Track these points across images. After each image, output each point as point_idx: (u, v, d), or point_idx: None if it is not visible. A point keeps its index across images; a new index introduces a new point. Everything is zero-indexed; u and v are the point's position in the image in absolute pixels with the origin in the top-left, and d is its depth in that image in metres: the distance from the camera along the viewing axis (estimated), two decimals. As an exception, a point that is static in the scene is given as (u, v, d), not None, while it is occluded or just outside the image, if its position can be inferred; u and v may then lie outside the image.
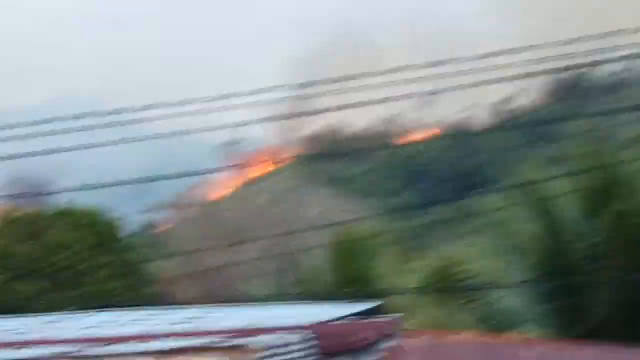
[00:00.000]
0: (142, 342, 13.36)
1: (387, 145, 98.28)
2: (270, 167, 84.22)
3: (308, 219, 47.48)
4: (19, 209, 42.50)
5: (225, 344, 11.92)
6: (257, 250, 43.77)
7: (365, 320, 15.87)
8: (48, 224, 39.39)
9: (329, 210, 50.11)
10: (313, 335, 12.82)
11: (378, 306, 17.64)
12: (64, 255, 37.13)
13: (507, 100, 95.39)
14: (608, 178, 24.60)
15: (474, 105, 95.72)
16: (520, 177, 31.78)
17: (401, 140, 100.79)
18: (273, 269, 41.80)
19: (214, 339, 12.39)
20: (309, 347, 12.58)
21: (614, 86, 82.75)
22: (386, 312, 17.35)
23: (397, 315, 16.45)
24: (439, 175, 78.52)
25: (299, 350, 12.25)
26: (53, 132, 16.44)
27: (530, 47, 15.02)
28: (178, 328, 14.08)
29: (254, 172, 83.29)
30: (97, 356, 12.91)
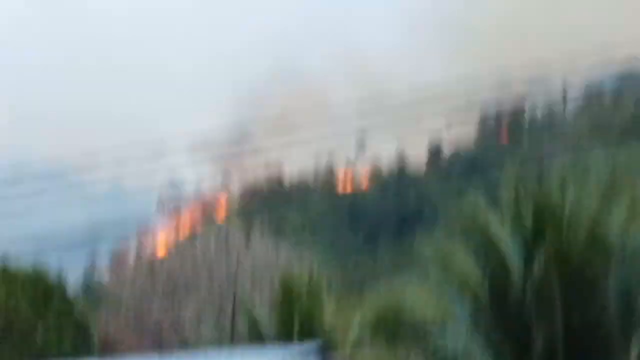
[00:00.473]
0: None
1: (325, 193, 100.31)
2: (210, 218, 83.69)
3: (252, 266, 48.15)
4: None
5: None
6: (199, 302, 46.47)
7: None
8: None
9: (270, 259, 50.56)
10: None
11: (321, 346, 20.59)
12: (4, 315, 36.03)
13: (440, 144, 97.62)
14: (545, 211, 24.85)
15: (407, 150, 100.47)
16: (457, 217, 31.56)
17: (338, 188, 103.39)
18: (215, 320, 42.18)
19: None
20: None
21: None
22: (329, 354, 20.61)
23: (339, 354, 21.38)
24: (376, 222, 78.96)
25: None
26: None
27: (459, 87, 16.23)
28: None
29: (193, 224, 78.38)
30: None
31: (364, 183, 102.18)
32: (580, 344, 23.25)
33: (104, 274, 73.05)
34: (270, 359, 20.27)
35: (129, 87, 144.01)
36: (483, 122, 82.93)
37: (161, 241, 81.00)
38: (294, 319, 28.94)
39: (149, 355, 31.81)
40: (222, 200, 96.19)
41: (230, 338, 32.61)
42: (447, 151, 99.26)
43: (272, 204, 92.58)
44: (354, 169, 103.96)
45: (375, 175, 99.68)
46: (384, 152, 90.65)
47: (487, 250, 25.12)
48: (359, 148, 76.51)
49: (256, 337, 29.86)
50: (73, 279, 56.16)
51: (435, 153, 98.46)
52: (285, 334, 27.54)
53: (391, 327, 29.26)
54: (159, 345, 42.54)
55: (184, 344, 41.59)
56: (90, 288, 65.98)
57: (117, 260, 73.59)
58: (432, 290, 29.01)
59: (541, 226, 24.57)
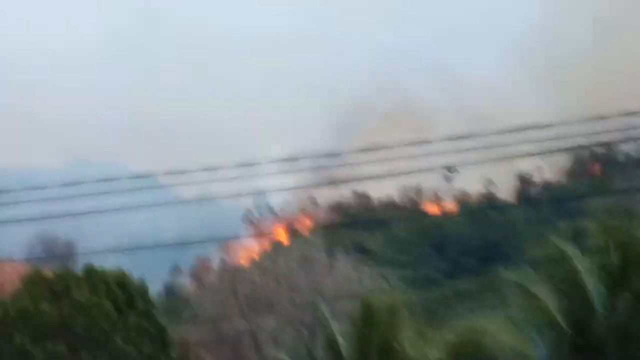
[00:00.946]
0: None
1: (412, 216, 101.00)
2: (295, 234, 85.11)
3: (331, 287, 48.35)
4: (42, 269, 42.26)
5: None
6: (279, 317, 46.83)
7: None
8: (74, 284, 38.77)
9: (352, 279, 50.22)
10: None
11: None
12: (90, 315, 37.28)
13: (530, 174, 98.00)
14: (629, 255, 24.52)
15: (497, 178, 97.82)
16: (543, 251, 32.14)
17: (425, 211, 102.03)
18: (294, 336, 42.49)
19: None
20: None
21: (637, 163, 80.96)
22: None
23: None
24: (461, 248, 77.97)
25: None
26: (80, 195, 16.96)
27: (555, 124, 15.55)
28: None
29: (279, 238, 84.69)
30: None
31: (453, 207, 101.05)
32: None
33: (186, 280, 77.90)
34: None
35: (228, 103, 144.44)
36: (576, 154, 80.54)
37: (245, 253, 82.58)
38: (373, 343, 28.91)
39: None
40: (308, 217, 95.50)
41: (308, 356, 33.26)
42: (537, 181, 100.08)
43: (358, 223, 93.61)
44: (443, 193, 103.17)
45: (464, 201, 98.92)
46: (474, 178, 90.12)
47: (570, 288, 25.37)
48: (451, 172, 74.09)
49: (334, 358, 30.06)
50: (156, 284, 57.91)
51: (525, 182, 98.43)
52: (363, 358, 28.09)
53: (470, 357, 29.10)
54: (237, 357, 44.06)
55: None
56: (172, 293, 68.25)
57: (200, 267, 78.15)
58: (513, 325, 28.23)
59: (627, 268, 24.50)
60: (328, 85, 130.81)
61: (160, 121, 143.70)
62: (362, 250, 72.92)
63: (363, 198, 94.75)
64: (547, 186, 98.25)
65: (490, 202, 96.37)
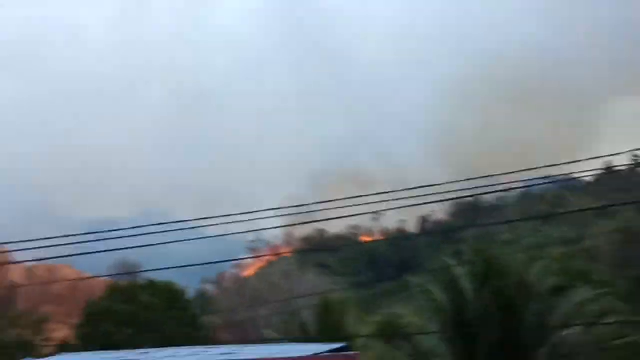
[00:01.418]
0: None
1: (354, 243, 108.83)
2: (280, 255, 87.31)
3: (303, 290, 48.21)
4: (119, 282, 43.62)
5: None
6: (271, 309, 45.59)
7: (337, 354, 17.31)
8: (140, 291, 39.47)
9: (316, 285, 50.27)
10: None
11: (345, 346, 19.27)
12: (150, 310, 37.31)
13: (429, 214, 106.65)
14: (489, 266, 25.09)
15: (405, 217, 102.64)
16: (436, 264, 35.57)
17: (363, 240, 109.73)
18: (281, 321, 40.08)
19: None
20: None
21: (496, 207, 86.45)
22: (350, 350, 19.09)
23: (356, 352, 18.78)
24: (386, 263, 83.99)
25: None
26: (146, 233, 19.33)
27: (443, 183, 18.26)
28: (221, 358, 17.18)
29: (270, 258, 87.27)
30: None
31: (380, 237, 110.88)
32: (507, 350, 23.60)
33: (211, 287, 78.79)
34: (313, 351, 17.23)
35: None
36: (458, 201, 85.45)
37: (249, 268, 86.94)
38: (329, 325, 29.36)
39: (236, 345, 28.10)
40: (289, 245, 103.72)
41: (288, 336, 32.40)
42: (433, 219, 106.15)
43: (320, 249, 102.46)
44: (374, 228, 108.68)
45: (387, 233, 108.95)
46: (394, 218, 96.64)
47: (453, 287, 25.42)
48: (378, 215, 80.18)
49: (304, 334, 30.68)
50: (192, 290, 58.35)
51: (425, 220, 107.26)
52: (323, 335, 26.94)
53: (390, 332, 29.36)
54: (244, 336, 44.74)
55: (260, 338, 41.32)
56: (202, 295, 69.50)
57: (220, 278, 78.88)
58: (418, 311, 28.35)
59: (488, 274, 24.87)
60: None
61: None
62: (323, 267, 79.45)
63: (323, 233, 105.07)
64: (439, 222, 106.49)
65: (403, 234, 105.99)
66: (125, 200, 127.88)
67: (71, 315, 44.57)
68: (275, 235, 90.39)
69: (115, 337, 32.13)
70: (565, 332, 23.59)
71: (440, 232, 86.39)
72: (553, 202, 63.35)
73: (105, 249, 24.80)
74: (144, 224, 21.00)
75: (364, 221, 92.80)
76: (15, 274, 48.17)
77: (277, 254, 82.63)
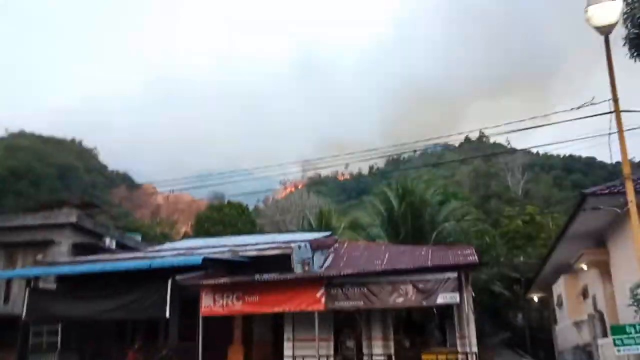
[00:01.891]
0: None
1: (336, 179, 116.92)
2: (298, 187, 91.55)
3: (310, 204, 51.86)
4: (213, 202, 51.17)
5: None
6: (292, 215, 49.55)
7: (326, 238, 21.50)
8: (224, 207, 43.53)
9: (316, 202, 54.40)
10: (311, 244, 18.31)
11: (331, 234, 24.05)
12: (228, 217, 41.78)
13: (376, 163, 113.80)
14: (406, 190, 29.91)
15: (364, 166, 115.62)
16: (379, 190, 36.86)
17: (340, 178, 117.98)
18: (298, 222, 46.16)
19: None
20: (308, 247, 17.88)
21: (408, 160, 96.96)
22: (334, 236, 23.03)
23: (336, 237, 22.52)
24: (352, 190, 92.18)
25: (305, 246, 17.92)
26: (231, 181, 25.66)
27: None
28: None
29: (292, 189, 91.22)
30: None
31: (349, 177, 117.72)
32: (415, 235, 28.67)
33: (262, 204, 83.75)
34: (312, 236, 20.27)
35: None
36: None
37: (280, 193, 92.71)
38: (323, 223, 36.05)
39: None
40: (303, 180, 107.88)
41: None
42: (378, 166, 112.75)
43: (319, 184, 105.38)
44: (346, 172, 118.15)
45: (353, 175, 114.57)
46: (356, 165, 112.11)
47: (387, 202, 30.88)
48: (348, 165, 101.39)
49: (310, 229, 34.73)
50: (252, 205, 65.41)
51: (373, 167, 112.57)
52: (321, 229, 31.18)
53: (354, 226, 34.67)
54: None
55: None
56: (256, 209, 73.15)
57: (267, 200, 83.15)
58: (368, 215, 33.40)
59: (404, 195, 29.89)
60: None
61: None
62: (320, 192, 77.45)
63: (320, 175, 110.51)
64: (381, 168, 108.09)
65: (360, 175, 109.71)
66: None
67: (189, 220, 60.82)
68: (295, 175, 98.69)
69: (211, 230, 38.34)
70: (446, 224, 28.50)
71: (381, 173, 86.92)
72: (439, 156, 74.71)
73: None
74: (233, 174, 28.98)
75: (341, 168, 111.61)
76: (159, 198, 61.05)
77: (295, 187, 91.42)
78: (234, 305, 15.28)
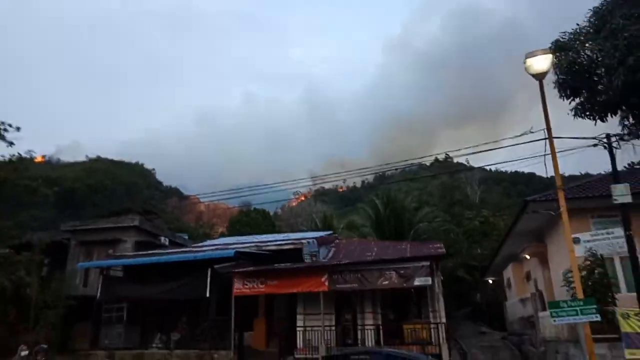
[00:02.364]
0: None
1: (336, 191, 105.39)
2: (306, 197, 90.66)
3: (315, 211, 50.26)
4: (242, 209, 48.27)
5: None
6: (303, 218, 48.27)
7: (329, 235, 21.58)
8: (251, 212, 43.48)
9: (320, 208, 52.95)
10: (317, 240, 18.89)
11: (333, 232, 24.74)
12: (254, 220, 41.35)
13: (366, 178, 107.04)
14: (389, 198, 30.34)
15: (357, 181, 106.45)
16: (369, 199, 36.41)
17: (340, 190, 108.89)
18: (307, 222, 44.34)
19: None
20: (315, 243, 17.63)
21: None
22: (335, 234, 23.95)
23: (337, 235, 23.31)
24: (348, 199, 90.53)
25: (313, 243, 17.60)
26: (263, 192, 24.34)
27: None
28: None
29: (302, 198, 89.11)
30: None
31: (346, 189, 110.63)
32: (398, 234, 28.99)
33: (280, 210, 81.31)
34: (318, 234, 20.05)
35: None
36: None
37: (294, 202, 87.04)
38: (326, 224, 35.76)
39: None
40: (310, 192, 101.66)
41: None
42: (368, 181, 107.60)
43: (322, 194, 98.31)
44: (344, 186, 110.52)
45: (349, 187, 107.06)
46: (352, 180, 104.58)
47: (374, 208, 30.69)
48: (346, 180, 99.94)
49: (316, 228, 34.41)
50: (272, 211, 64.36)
51: (365, 181, 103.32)
52: (325, 228, 30.85)
53: (350, 226, 34.96)
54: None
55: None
56: (276, 214, 71.34)
57: (283, 207, 79.23)
58: (361, 218, 33.27)
59: (388, 202, 29.78)
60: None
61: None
62: (323, 201, 77.80)
63: (323, 187, 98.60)
64: (370, 183, 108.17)
65: (355, 188, 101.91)
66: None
67: (224, 223, 60.42)
68: (305, 188, 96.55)
69: (241, 231, 38.63)
70: (420, 225, 28.56)
71: (370, 186, 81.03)
72: (415, 173, 73.72)
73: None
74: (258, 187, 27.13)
75: (340, 182, 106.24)
76: (202, 206, 61.41)
77: (305, 197, 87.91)
78: (259, 288, 15.41)
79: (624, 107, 14.36)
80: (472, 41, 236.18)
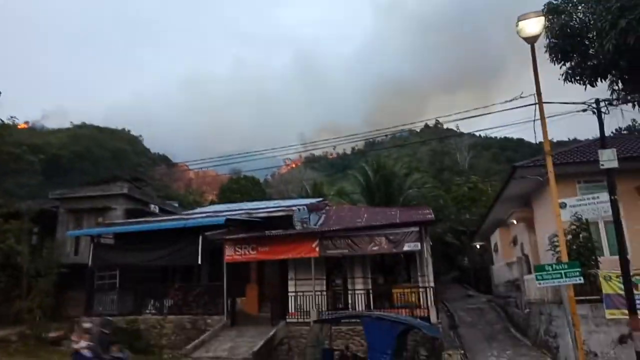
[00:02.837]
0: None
1: (326, 157, 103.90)
2: (297, 164, 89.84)
3: (305, 177, 50.93)
4: (232, 176, 47.98)
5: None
6: (293, 185, 49.01)
7: (320, 202, 21.79)
8: (240, 180, 42.96)
9: (311, 175, 53.66)
10: (307, 207, 19.35)
11: (324, 199, 25.14)
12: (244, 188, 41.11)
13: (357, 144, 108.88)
14: (379, 164, 30.24)
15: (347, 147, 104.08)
16: (359, 165, 37.41)
17: (330, 157, 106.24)
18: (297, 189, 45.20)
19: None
20: (305, 209, 18.11)
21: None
22: (325, 201, 23.93)
23: (328, 202, 23.86)
24: (338, 166, 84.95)
25: (303, 209, 17.94)
26: (250, 159, 26.00)
27: None
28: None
29: (292, 166, 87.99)
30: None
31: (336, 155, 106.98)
32: (388, 200, 28.58)
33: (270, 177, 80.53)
34: (309, 201, 20.40)
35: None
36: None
37: (284, 169, 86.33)
38: (317, 190, 36.46)
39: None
40: (301, 159, 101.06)
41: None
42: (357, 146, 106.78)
43: (313, 161, 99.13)
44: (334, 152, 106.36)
45: (339, 154, 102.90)
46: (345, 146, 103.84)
47: (365, 174, 30.48)
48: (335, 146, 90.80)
49: (307, 195, 34.53)
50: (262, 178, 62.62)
51: (356, 147, 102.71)
52: (316, 195, 31.35)
53: (341, 193, 34.47)
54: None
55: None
56: (266, 181, 69.94)
57: (273, 174, 79.01)
58: (352, 185, 33.49)
59: (378, 169, 29.60)
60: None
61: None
62: (314, 168, 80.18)
63: (314, 154, 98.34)
64: (360, 149, 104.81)
65: (345, 154, 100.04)
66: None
67: (214, 191, 64.11)
68: (296, 155, 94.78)
69: (231, 198, 38.04)
70: (410, 191, 28.42)
71: (360, 153, 79.65)
72: (405, 139, 73.66)
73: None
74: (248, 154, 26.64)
75: (330, 149, 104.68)
76: (191, 174, 61.39)
77: (296, 164, 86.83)
78: (250, 254, 15.60)
79: (613, 72, 14.41)
80: (467, 2, 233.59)
